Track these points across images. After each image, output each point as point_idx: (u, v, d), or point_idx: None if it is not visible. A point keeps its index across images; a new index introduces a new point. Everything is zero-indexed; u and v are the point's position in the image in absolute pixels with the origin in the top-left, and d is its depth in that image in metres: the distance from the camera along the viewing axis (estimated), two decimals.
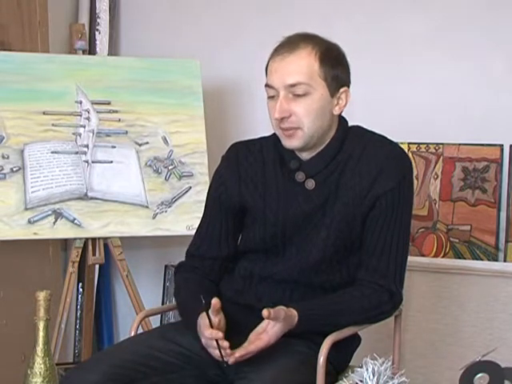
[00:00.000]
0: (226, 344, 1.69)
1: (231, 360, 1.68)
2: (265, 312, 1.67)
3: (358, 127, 1.95)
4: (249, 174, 1.94)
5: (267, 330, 1.71)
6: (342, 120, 1.92)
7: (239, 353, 1.68)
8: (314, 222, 1.87)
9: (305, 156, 1.89)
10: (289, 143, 1.86)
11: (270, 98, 1.85)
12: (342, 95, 1.86)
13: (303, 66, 1.80)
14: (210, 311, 1.74)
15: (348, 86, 1.88)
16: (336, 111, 1.87)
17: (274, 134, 1.93)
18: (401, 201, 1.86)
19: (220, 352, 1.70)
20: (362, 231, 1.87)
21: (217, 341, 1.70)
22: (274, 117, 1.82)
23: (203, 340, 1.75)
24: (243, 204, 1.94)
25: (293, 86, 1.80)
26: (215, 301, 1.74)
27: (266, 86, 1.85)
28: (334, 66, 1.83)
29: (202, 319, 1.75)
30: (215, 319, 1.74)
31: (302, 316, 1.75)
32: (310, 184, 1.88)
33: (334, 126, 1.89)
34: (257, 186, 1.92)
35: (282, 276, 1.88)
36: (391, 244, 1.86)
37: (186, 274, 1.98)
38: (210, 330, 1.71)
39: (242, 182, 1.94)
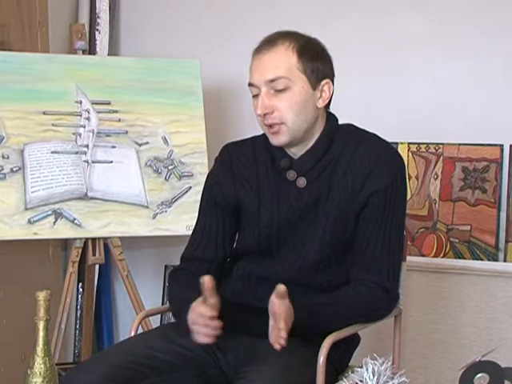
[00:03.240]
0: (215, 324, 1.67)
1: (282, 342, 1.63)
2: (282, 287, 1.65)
3: (350, 125, 1.95)
4: (242, 174, 1.94)
5: (277, 305, 1.67)
6: (330, 116, 1.92)
7: (284, 334, 1.63)
8: (308, 221, 1.87)
9: (295, 153, 1.90)
10: (275, 140, 1.86)
11: (254, 97, 1.87)
12: (324, 87, 1.87)
13: (281, 60, 1.82)
14: (205, 289, 1.70)
15: (331, 79, 1.88)
16: (320, 104, 1.87)
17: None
18: (393, 199, 1.86)
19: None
20: (355, 230, 1.87)
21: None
22: (257, 113, 1.84)
23: (192, 315, 1.72)
24: (239, 204, 1.94)
25: (273, 81, 1.81)
26: (207, 278, 1.70)
27: (249, 85, 1.87)
28: (314, 58, 1.84)
29: (197, 299, 1.72)
30: (210, 300, 1.72)
31: (299, 307, 1.74)
32: (302, 182, 1.88)
33: (320, 120, 1.89)
34: (251, 186, 1.93)
35: (279, 277, 1.87)
36: (383, 242, 1.85)
37: (180, 277, 1.97)
38: (203, 307, 1.69)
39: (237, 182, 1.94)
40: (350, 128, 1.94)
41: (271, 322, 1.68)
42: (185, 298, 1.81)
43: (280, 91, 1.82)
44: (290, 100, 1.82)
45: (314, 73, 1.84)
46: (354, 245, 1.87)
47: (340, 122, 1.94)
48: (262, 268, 1.91)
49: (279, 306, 1.67)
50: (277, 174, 1.91)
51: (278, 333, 1.65)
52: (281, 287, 1.66)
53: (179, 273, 1.99)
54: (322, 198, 1.86)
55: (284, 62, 1.82)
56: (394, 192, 1.86)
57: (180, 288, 1.94)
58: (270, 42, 1.85)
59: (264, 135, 1.94)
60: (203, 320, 1.71)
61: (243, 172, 1.94)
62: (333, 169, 1.87)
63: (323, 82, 1.86)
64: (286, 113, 1.82)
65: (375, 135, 1.93)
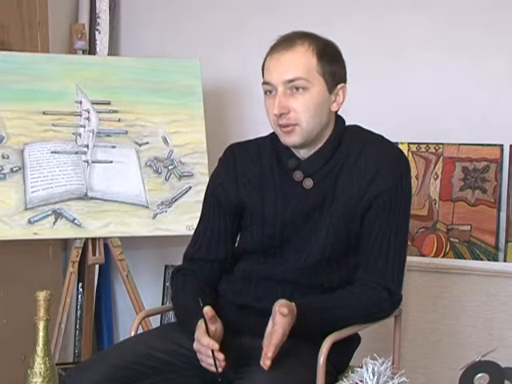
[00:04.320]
0: (221, 357, 1.68)
1: (267, 363, 1.65)
2: (285, 311, 1.65)
3: (356, 126, 1.95)
4: (246, 175, 1.94)
5: (277, 323, 1.68)
6: (338, 118, 1.93)
7: (270, 352, 1.65)
8: (312, 221, 1.87)
9: (302, 155, 1.90)
10: (288, 140, 1.85)
11: (268, 95, 1.86)
12: (339, 92, 1.87)
13: (301, 61, 1.81)
14: (206, 319, 1.72)
15: (345, 83, 1.89)
16: (334, 108, 1.87)
17: (271, 133, 1.94)
18: (398, 201, 1.86)
19: (214, 362, 1.69)
20: (360, 231, 1.87)
21: (212, 351, 1.69)
22: (273, 113, 1.82)
23: (196, 345, 1.73)
24: (241, 205, 1.94)
25: (291, 81, 1.81)
26: (207, 309, 1.72)
27: (264, 83, 1.86)
28: (331, 62, 1.84)
29: (199, 326, 1.74)
30: (212, 327, 1.73)
31: (302, 309, 1.75)
32: (308, 183, 1.88)
33: (331, 123, 1.90)
34: (254, 186, 1.92)
35: (281, 277, 1.88)
36: (389, 244, 1.85)
37: (184, 278, 1.97)
38: (207, 339, 1.70)
39: (240, 182, 1.94)
40: (357, 129, 1.95)
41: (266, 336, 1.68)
42: (189, 308, 1.84)
43: (297, 92, 1.81)
44: (306, 101, 1.81)
45: (332, 76, 1.84)
46: (359, 246, 1.87)
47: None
48: (263, 268, 1.91)
49: (277, 323, 1.67)
50: (282, 174, 1.91)
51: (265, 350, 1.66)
52: (284, 311, 1.65)
53: (182, 272, 1.99)
54: (328, 199, 1.86)
55: (304, 62, 1.81)
56: (399, 193, 1.86)
57: (183, 291, 1.94)
58: (288, 41, 1.84)
59: (270, 135, 1.93)
60: (206, 351, 1.70)
61: (247, 172, 1.94)
62: (339, 170, 1.87)
63: (339, 86, 1.86)
64: (301, 114, 1.81)
65: (381, 136, 1.93)
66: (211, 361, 1.70)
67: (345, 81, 1.89)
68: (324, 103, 1.84)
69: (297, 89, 1.81)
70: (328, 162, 1.87)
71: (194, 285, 1.93)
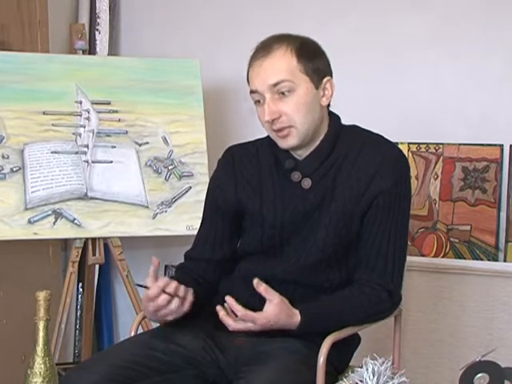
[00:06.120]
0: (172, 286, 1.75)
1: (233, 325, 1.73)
2: (255, 281, 1.73)
3: (355, 126, 1.96)
4: (245, 177, 1.94)
5: (264, 310, 1.73)
6: (333, 116, 1.93)
7: (241, 312, 1.72)
8: (312, 221, 1.87)
9: (300, 155, 1.90)
10: (285, 143, 1.86)
11: (257, 103, 1.86)
12: (326, 85, 1.87)
13: (281, 64, 1.82)
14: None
15: (330, 76, 1.89)
16: (324, 102, 1.87)
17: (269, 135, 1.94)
18: (398, 200, 1.86)
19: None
20: (359, 231, 1.87)
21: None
22: (265, 120, 1.83)
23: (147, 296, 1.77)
24: (240, 207, 1.94)
25: (276, 85, 1.81)
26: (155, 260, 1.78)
27: (251, 92, 1.86)
28: (312, 58, 1.84)
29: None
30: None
31: (305, 315, 1.75)
32: (307, 183, 1.88)
33: (325, 120, 1.90)
34: (253, 188, 1.93)
35: (281, 277, 1.88)
36: (388, 243, 1.86)
37: (182, 275, 1.98)
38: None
39: (239, 184, 1.94)
40: (355, 129, 1.95)
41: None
42: None
43: (284, 95, 1.81)
44: (296, 102, 1.82)
45: (315, 72, 1.84)
46: (359, 245, 1.87)
47: (343, 123, 1.95)
48: (263, 268, 1.91)
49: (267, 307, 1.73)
50: (281, 175, 1.91)
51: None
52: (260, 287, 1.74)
53: (182, 271, 2.01)
54: (327, 199, 1.86)
55: (284, 65, 1.81)
56: (398, 193, 1.86)
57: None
58: (266, 47, 1.84)
59: (268, 137, 1.94)
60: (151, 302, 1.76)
61: (245, 174, 1.94)
62: (337, 170, 1.87)
63: (325, 80, 1.86)
64: (294, 115, 1.82)
65: (380, 136, 1.93)
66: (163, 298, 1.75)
67: (330, 73, 1.89)
68: (313, 100, 1.84)
69: (283, 92, 1.81)
70: (325, 161, 1.88)
71: (187, 279, 1.94)
